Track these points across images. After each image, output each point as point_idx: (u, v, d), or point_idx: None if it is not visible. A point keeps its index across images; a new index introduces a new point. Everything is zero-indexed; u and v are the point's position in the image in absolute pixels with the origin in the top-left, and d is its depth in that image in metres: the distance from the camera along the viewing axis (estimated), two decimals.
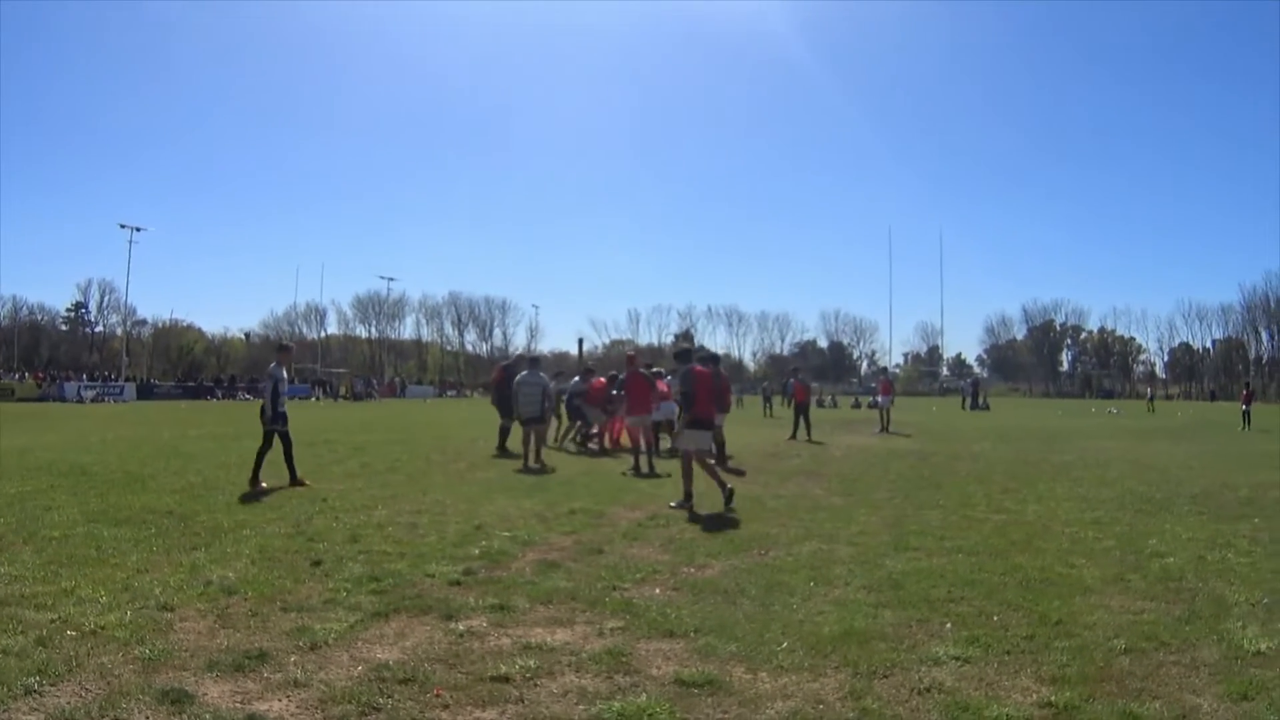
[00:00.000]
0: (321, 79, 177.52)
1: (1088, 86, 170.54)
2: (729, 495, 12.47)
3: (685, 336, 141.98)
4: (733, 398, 25.93)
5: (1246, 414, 38.70)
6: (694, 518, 11.69)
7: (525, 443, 19.29)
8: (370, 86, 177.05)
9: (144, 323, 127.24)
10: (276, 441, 14.72)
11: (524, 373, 20.57)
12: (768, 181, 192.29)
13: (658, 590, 7.76)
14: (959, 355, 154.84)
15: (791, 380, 33.25)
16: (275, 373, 15.04)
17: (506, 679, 5.42)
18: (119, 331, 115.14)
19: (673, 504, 12.64)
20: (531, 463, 18.53)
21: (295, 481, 14.45)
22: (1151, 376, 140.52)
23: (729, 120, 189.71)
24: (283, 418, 14.85)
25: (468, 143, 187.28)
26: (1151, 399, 71.10)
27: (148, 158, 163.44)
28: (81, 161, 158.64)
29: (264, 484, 14.07)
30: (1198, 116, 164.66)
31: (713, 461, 14.07)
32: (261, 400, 15.23)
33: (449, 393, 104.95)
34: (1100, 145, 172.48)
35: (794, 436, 28.22)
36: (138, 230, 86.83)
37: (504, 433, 21.71)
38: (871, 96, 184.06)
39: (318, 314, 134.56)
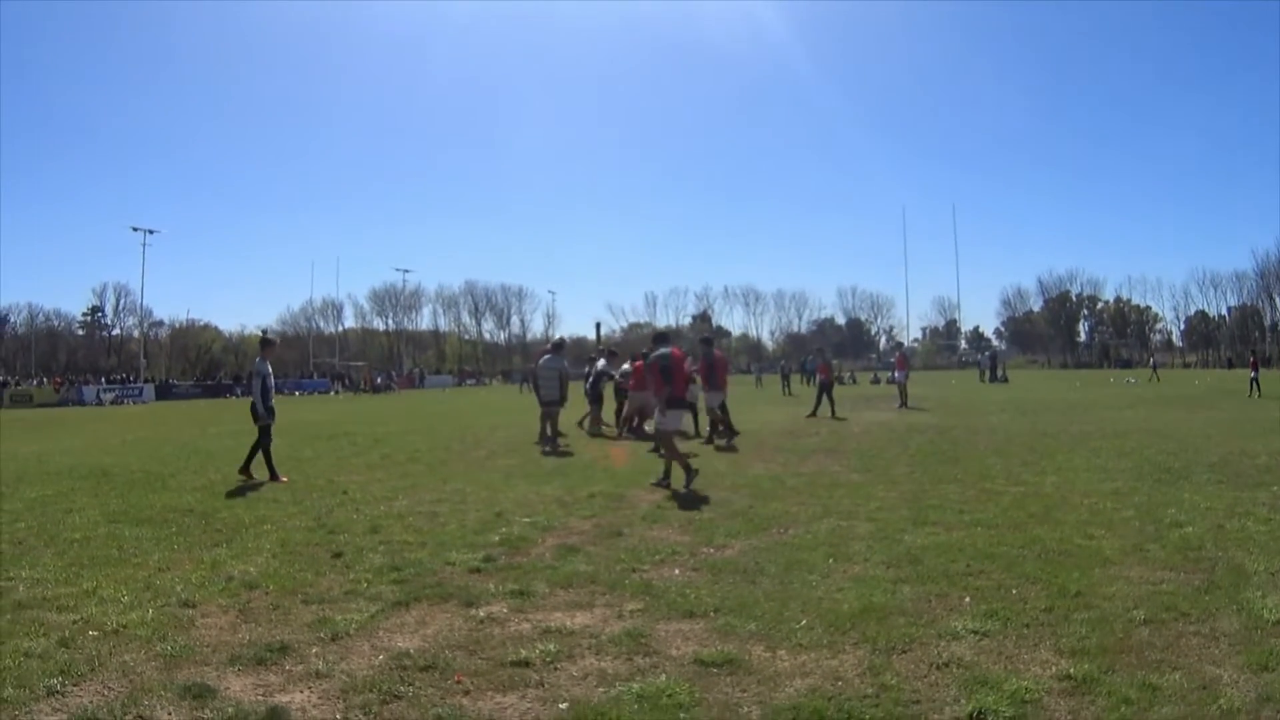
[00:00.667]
0: (330, 75, 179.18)
1: (1098, 58, 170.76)
2: (691, 478, 12.57)
3: (703, 318, 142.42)
4: (753, 376, 26.02)
5: (1255, 381, 38.47)
6: (717, 500, 11.65)
7: (542, 424, 19.78)
8: (380, 81, 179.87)
9: (160, 324, 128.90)
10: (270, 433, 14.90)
11: (546, 357, 21.20)
12: (782, 163, 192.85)
13: (677, 571, 7.80)
14: (976, 328, 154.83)
15: (812, 358, 33.29)
16: (261, 368, 15.15)
17: (526, 664, 5.46)
18: (136, 334, 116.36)
19: (652, 481, 13.04)
20: (547, 445, 19.12)
21: (245, 472, 14.70)
22: (1169, 345, 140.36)
23: (742, 104, 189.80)
24: (271, 412, 14.94)
25: (479, 133, 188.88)
26: (1155, 368, 70.45)
27: (158, 160, 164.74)
28: (91, 166, 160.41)
29: (284, 478, 14.37)
30: (1208, 85, 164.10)
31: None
32: (250, 398, 15.24)
33: (468, 381, 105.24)
34: (1111, 115, 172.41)
35: (814, 414, 28.27)
36: (150, 233, 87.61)
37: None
38: (883, 76, 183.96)
39: (334, 308, 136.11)
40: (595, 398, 24.09)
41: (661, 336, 14.59)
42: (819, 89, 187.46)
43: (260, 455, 14.66)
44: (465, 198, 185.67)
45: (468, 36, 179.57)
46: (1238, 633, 5.85)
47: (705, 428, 21.45)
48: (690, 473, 12.54)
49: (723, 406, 20.61)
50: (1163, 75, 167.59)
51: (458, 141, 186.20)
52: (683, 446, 14.28)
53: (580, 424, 23.77)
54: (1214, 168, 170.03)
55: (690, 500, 11.54)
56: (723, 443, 19.20)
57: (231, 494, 12.95)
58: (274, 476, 14.32)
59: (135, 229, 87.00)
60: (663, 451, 13.38)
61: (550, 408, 20.00)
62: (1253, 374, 39.56)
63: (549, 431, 19.90)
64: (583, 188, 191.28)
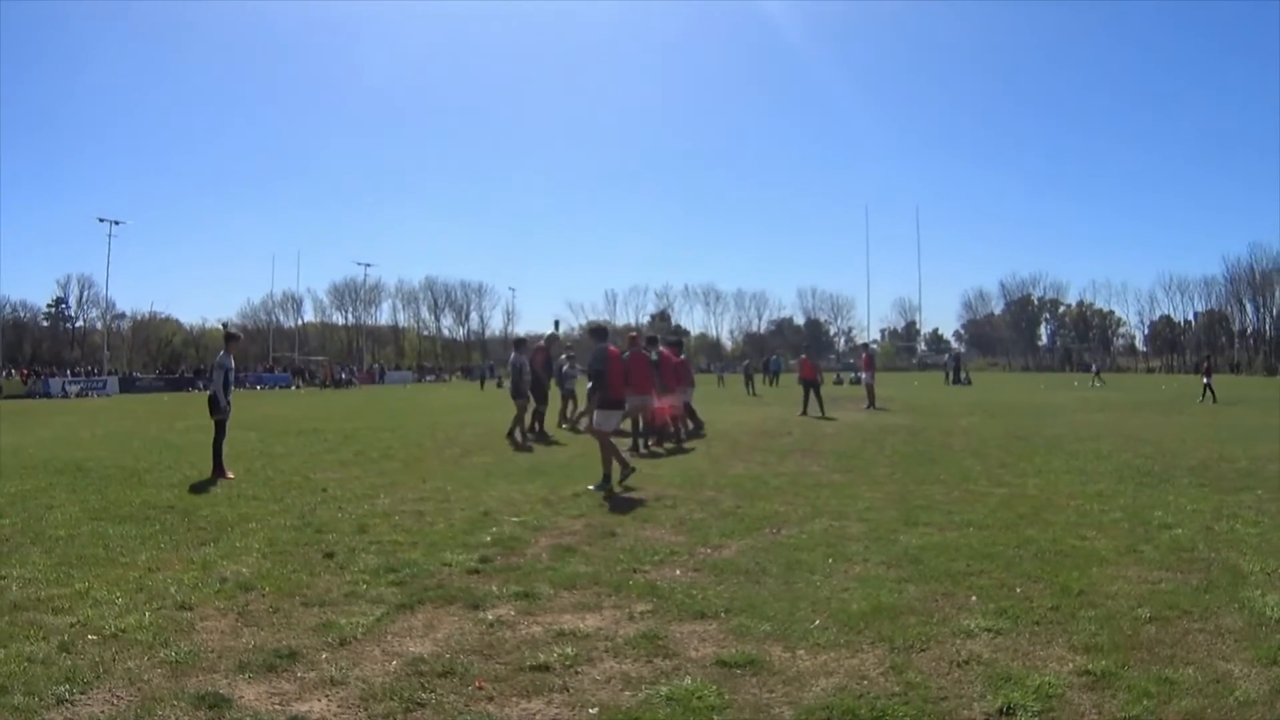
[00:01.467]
0: (294, 67, 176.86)
1: (1065, 61, 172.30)
2: (627, 474, 12.76)
3: (662, 316, 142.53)
4: (715, 376, 25.97)
5: (1208, 386, 38.97)
6: (703, 499, 11.72)
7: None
8: (344, 73, 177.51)
9: (123, 316, 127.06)
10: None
11: (513, 355, 22.32)
12: (743, 161, 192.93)
13: (679, 572, 7.85)
14: (936, 330, 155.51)
15: (776, 358, 33.47)
16: (225, 362, 15.15)
17: (547, 668, 5.46)
18: (99, 326, 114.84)
19: (591, 486, 12.56)
20: (522, 439, 19.94)
21: (221, 473, 14.48)
22: (1132, 349, 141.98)
23: (703, 102, 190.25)
24: (222, 406, 14.95)
25: (442, 126, 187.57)
26: (1097, 372, 70.85)
27: (122, 150, 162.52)
28: (57, 156, 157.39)
29: (229, 473, 14.41)
30: (1178, 90, 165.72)
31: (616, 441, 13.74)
32: (210, 390, 15.31)
33: (428, 378, 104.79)
34: (1079, 119, 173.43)
35: (804, 412, 28.57)
36: (116, 224, 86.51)
37: (538, 415, 22.01)
38: (846, 76, 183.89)
39: (294, 302, 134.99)
40: (567, 394, 24.55)
41: (598, 331, 14.29)
42: (783, 89, 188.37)
43: (222, 448, 14.72)
44: (427, 192, 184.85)
45: (433, 31, 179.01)
46: (1242, 629, 6.02)
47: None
48: (626, 469, 12.71)
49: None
50: (1133, 81, 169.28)
51: (420, 135, 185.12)
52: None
53: (560, 424, 23.90)
54: (1184, 174, 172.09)
55: (678, 501, 11.58)
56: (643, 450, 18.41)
57: (210, 491, 12.88)
58: (219, 471, 14.37)
59: (101, 220, 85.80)
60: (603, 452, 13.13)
61: (517, 401, 20.96)
62: (1205, 380, 39.99)
63: (520, 426, 20.54)
64: (544, 184, 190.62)
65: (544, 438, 21.05)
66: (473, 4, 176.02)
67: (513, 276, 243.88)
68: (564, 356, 26.18)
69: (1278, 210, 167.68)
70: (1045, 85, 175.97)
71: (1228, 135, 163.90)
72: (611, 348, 13.42)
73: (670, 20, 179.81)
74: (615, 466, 12.89)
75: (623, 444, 15.79)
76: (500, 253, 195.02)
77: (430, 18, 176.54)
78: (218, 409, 14.82)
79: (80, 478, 14.42)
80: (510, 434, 20.41)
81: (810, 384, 29.74)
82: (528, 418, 20.71)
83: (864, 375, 35.00)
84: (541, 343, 21.67)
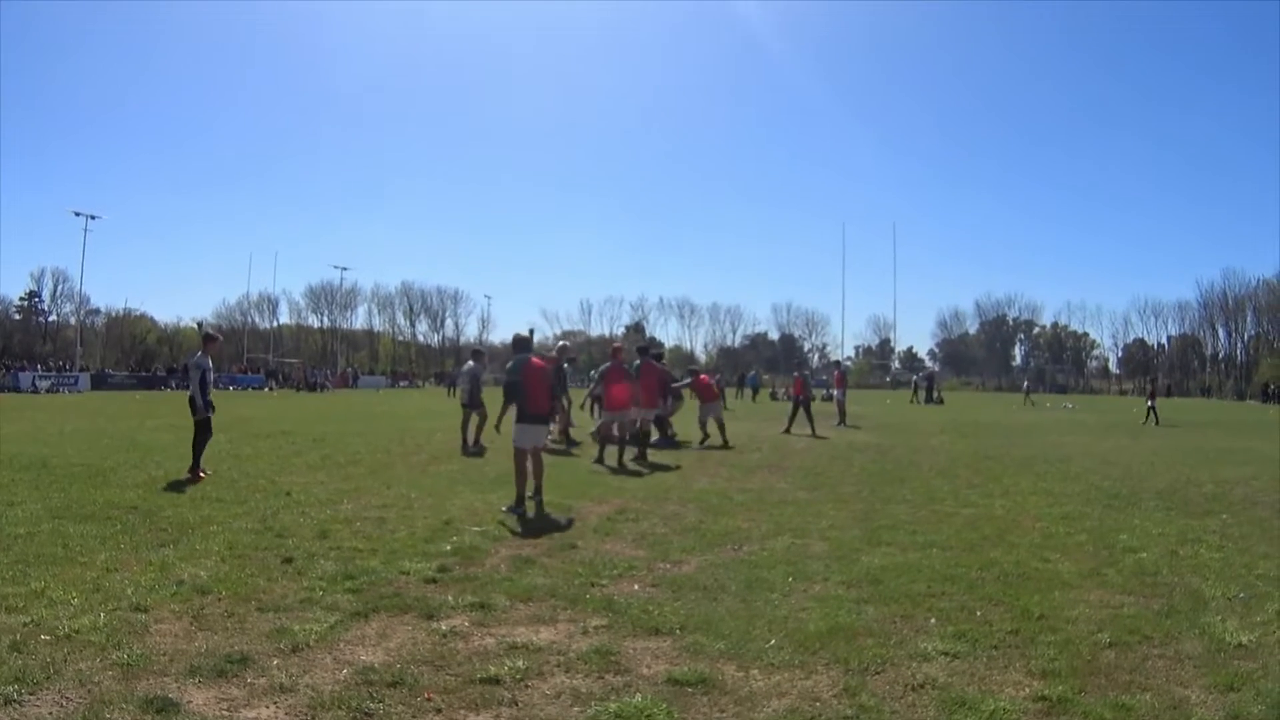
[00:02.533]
0: (275, 66, 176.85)
1: (1045, 83, 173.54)
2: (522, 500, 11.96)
3: (637, 328, 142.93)
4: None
5: (1152, 409, 39.58)
6: (667, 514, 11.69)
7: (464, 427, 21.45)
8: (324, 75, 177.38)
9: (97, 312, 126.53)
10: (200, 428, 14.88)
11: (469, 363, 23.37)
12: (721, 175, 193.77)
13: (637, 587, 7.81)
14: (910, 349, 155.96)
15: (754, 374, 33.77)
16: (202, 362, 15.14)
17: (497, 680, 5.42)
18: (73, 321, 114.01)
19: (504, 508, 11.69)
20: (471, 446, 20.40)
21: (198, 472, 14.40)
22: (1105, 372, 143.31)
23: (683, 113, 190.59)
24: (209, 406, 14.97)
25: (421, 131, 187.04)
26: (1028, 393, 71.40)
27: (101, 145, 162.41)
28: (33, 149, 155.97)
29: (205, 471, 14.40)
30: (1155, 114, 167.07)
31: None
32: (189, 391, 15.27)
33: (401, 383, 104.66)
34: (1056, 141, 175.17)
35: (788, 430, 28.65)
36: (92, 218, 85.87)
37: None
38: (827, 91, 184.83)
39: (270, 303, 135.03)
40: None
41: (521, 342, 13.34)
42: (763, 103, 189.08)
43: (203, 448, 14.73)
44: (405, 196, 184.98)
45: (415, 34, 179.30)
46: (1201, 655, 6.04)
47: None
48: (519, 503, 11.74)
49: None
50: (1111, 104, 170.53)
51: (399, 139, 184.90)
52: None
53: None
54: (1160, 198, 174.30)
55: (640, 514, 11.55)
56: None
57: (174, 491, 12.70)
58: (195, 470, 14.35)
59: (77, 214, 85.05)
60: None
61: (468, 410, 21.70)
62: (1150, 402, 40.58)
63: (463, 434, 21.24)
64: (521, 193, 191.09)
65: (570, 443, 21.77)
66: (456, 8, 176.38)
67: (489, 284, 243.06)
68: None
69: (1251, 235, 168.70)
70: (1025, 106, 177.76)
71: (1204, 160, 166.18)
72: (534, 359, 12.79)
73: (654, 28, 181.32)
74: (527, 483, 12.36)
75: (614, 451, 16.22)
76: (477, 260, 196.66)
77: (411, 20, 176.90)
78: (197, 410, 14.80)
79: (44, 475, 14.26)
80: (475, 441, 20.72)
81: (801, 401, 29.70)
82: (488, 426, 20.70)
83: (835, 392, 35.19)
84: (553, 353, 21.80)
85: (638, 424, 18.93)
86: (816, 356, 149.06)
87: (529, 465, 12.20)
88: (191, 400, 14.93)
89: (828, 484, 15.08)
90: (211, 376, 15.38)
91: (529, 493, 12.06)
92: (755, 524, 10.97)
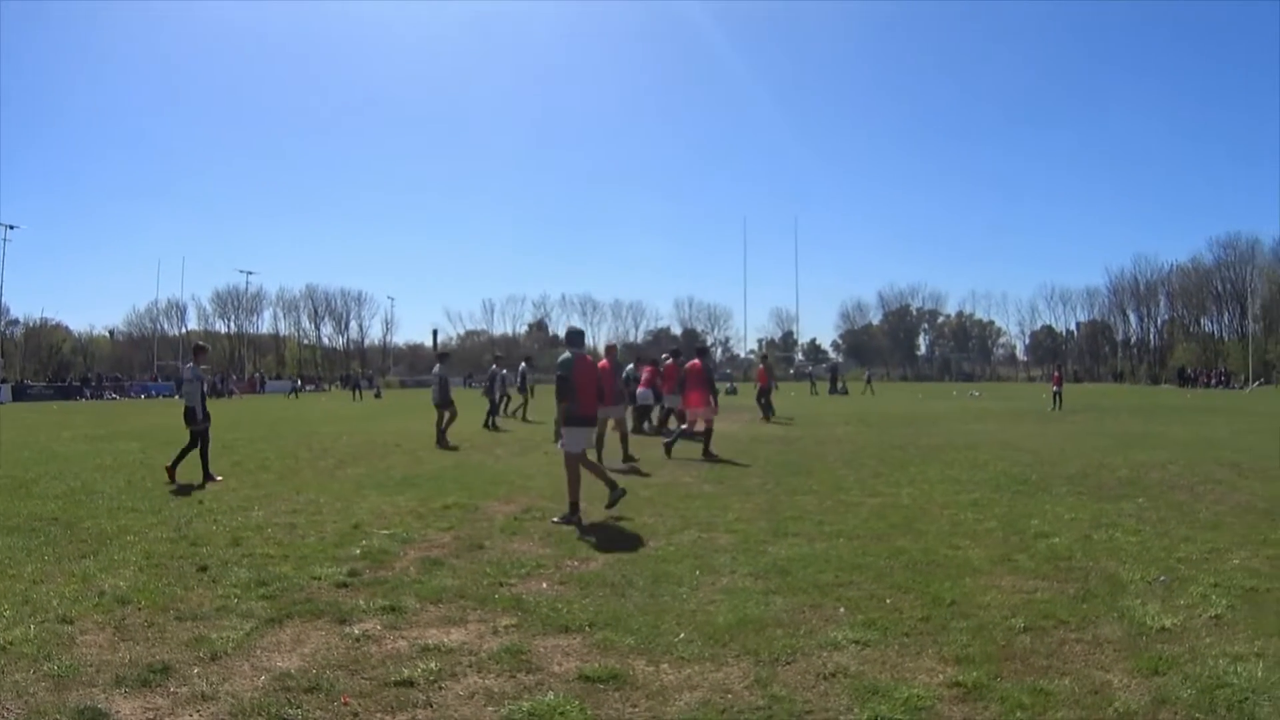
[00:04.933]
0: (179, 72, 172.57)
1: (947, 71, 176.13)
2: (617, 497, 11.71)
3: (539, 327, 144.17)
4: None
5: (1057, 395, 41.04)
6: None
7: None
8: (227, 80, 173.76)
9: (16, 322, 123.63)
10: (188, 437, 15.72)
11: (436, 366, 25.77)
12: (621, 171, 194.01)
13: (545, 585, 7.91)
14: (814, 340, 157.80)
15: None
16: (198, 373, 16.10)
17: (410, 683, 5.50)
18: None
19: (555, 519, 11.19)
20: (438, 443, 22.36)
21: (209, 477, 15.28)
22: (1012, 359, 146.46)
23: (580, 111, 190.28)
24: (207, 416, 15.89)
25: (324, 132, 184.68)
26: (869, 380, 72.45)
27: (13, 154, 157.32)
28: None
29: (218, 477, 15.39)
30: (1059, 101, 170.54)
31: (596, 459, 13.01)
32: (185, 402, 16.09)
33: (307, 387, 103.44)
34: (959, 130, 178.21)
35: (767, 419, 30.87)
36: (11, 228, 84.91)
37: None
38: (726, 87, 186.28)
39: (178, 310, 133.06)
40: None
41: (575, 337, 12.58)
42: (660, 100, 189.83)
43: (188, 457, 15.54)
44: (309, 198, 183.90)
45: (314, 38, 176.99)
46: (1122, 639, 6.19)
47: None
48: (574, 511, 11.25)
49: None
50: (1014, 93, 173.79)
51: (303, 140, 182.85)
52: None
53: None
54: (1066, 187, 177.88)
55: (547, 513, 11.58)
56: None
57: (92, 502, 12.87)
58: (208, 477, 15.23)
59: None
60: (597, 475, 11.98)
61: (439, 409, 23.60)
62: (1055, 388, 42.03)
63: (438, 430, 23.20)
64: (421, 192, 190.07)
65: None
66: (358, 8, 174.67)
67: (392, 285, 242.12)
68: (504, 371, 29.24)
69: (1163, 222, 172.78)
70: (927, 95, 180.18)
71: (1110, 148, 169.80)
72: (586, 356, 12.34)
73: (550, 27, 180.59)
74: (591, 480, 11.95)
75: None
76: (380, 261, 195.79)
77: (315, 22, 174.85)
78: (195, 420, 15.59)
79: None
80: (439, 440, 22.70)
81: (764, 390, 32.18)
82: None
83: (759, 386, 35.79)
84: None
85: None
86: (719, 350, 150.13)
87: (585, 466, 11.77)
88: (190, 411, 15.70)
89: (732, 477, 15.25)
90: (205, 386, 16.19)
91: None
92: (662, 519, 11.07)
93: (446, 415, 23.58)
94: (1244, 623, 6.57)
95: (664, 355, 25.87)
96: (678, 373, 22.33)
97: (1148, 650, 5.92)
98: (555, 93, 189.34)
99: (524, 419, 32.21)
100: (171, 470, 15.22)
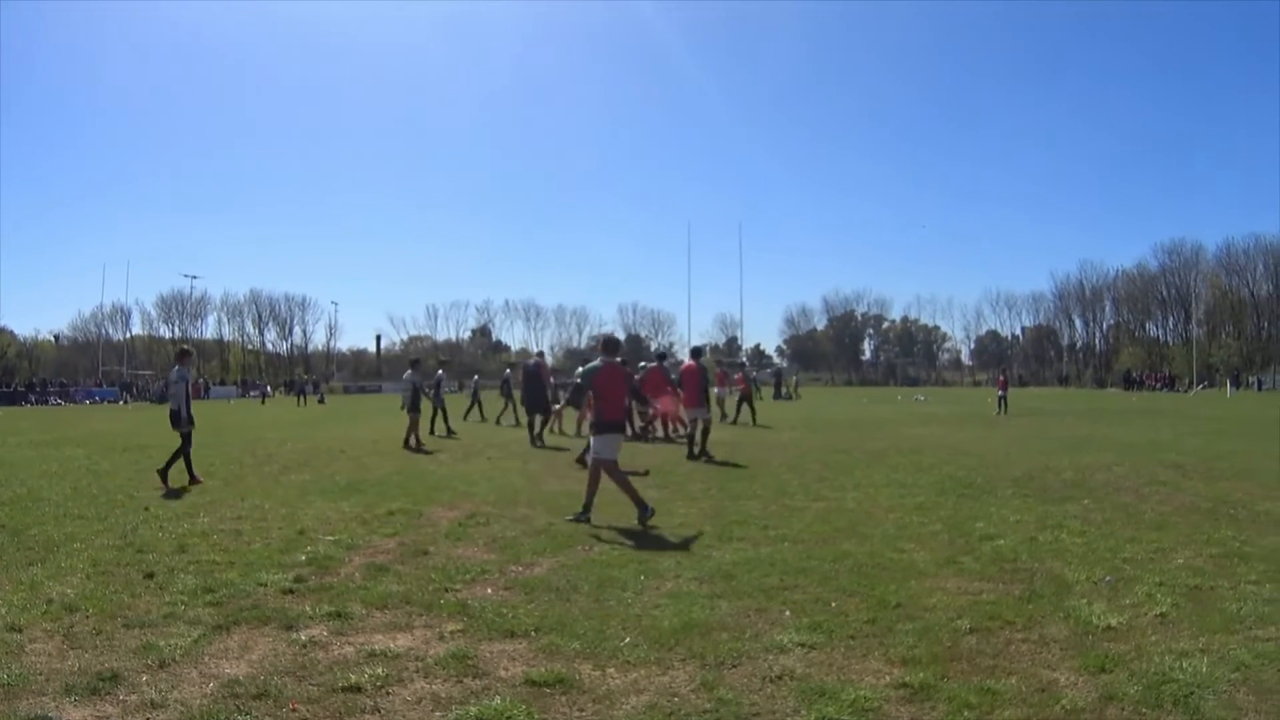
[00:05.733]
0: (123, 73, 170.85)
1: (892, 76, 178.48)
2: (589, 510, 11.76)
3: (483, 332, 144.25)
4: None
5: (1002, 399, 41.59)
6: (517, 517, 11.80)
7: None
8: (171, 80, 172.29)
9: None
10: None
11: (408, 372, 26.49)
12: (566, 177, 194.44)
13: (490, 590, 7.93)
14: (758, 346, 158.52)
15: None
16: (185, 375, 16.38)
17: (358, 689, 5.51)
18: None
19: (568, 517, 11.58)
20: (412, 445, 23.38)
21: (194, 479, 15.67)
22: (957, 364, 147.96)
23: (525, 116, 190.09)
24: (191, 419, 16.08)
25: (268, 135, 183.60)
26: (795, 385, 72.50)
27: None
28: None
29: (201, 478, 15.85)
30: (1004, 106, 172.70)
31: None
32: (170, 405, 16.34)
33: (251, 393, 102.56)
34: (905, 135, 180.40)
35: (736, 420, 32.68)
36: None
37: (530, 425, 25.16)
38: (668, 93, 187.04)
39: (123, 315, 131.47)
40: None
41: (611, 345, 12.90)
42: (603, 105, 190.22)
43: (181, 461, 15.69)
44: (253, 201, 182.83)
45: (258, 38, 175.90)
46: (1068, 638, 6.29)
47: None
48: (644, 509, 11.37)
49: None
50: (962, 97, 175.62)
51: (248, 143, 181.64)
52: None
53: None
54: (1012, 193, 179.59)
55: (491, 518, 11.67)
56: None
57: (38, 509, 12.83)
58: (193, 479, 15.59)
59: None
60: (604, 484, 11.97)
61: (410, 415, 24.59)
62: (1000, 392, 42.52)
63: (414, 434, 24.14)
64: (364, 196, 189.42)
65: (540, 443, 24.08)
66: (293, 8, 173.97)
67: (335, 290, 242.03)
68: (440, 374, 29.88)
69: (1109, 228, 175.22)
70: (872, 101, 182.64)
71: (1056, 153, 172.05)
72: (614, 363, 12.38)
73: (497, 30, 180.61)
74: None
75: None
76: (323, 266, 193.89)
77: (255, 21, 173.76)
78: (180, 422, 15.83)
79: None
80: (410, 440, 23.74)
81: (745, 395, 33.77)
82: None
83: (719, 390, 35.97)
84: (525, 363, 23.91)
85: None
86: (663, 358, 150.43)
87: (615, 479, 11.80)
88: (175, 414, 15.96)
89: (676, 482, 15.28)
90: (190, 389, 16.49)
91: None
92: (606, 524, 11.12)
93: (413, 420, 24.39)
94: (1189, 620, 6.70)
95: (641, 364, 26.54)
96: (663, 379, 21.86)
97: (1094, 649, 6.01)
98: (499, 96, 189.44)
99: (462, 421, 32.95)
100: (192, 478, 15.57)
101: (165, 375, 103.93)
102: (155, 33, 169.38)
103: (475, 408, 37.80)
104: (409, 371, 26.45)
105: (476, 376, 41.16)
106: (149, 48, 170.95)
